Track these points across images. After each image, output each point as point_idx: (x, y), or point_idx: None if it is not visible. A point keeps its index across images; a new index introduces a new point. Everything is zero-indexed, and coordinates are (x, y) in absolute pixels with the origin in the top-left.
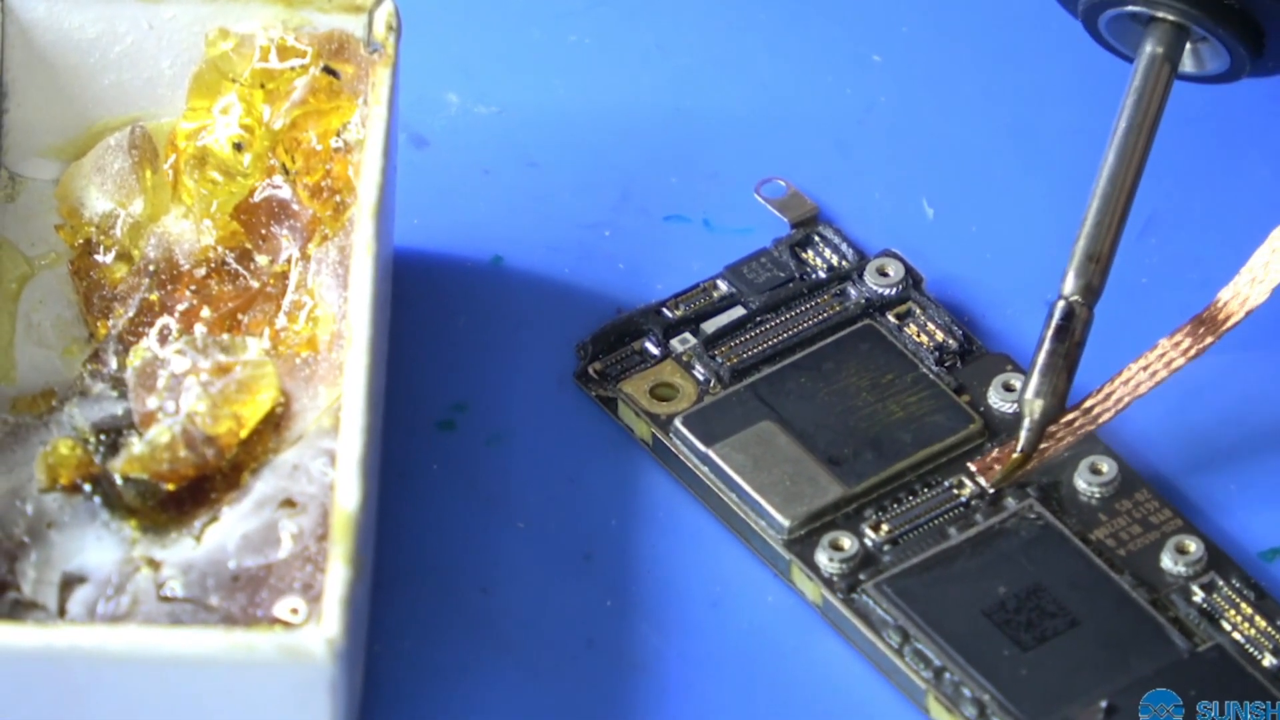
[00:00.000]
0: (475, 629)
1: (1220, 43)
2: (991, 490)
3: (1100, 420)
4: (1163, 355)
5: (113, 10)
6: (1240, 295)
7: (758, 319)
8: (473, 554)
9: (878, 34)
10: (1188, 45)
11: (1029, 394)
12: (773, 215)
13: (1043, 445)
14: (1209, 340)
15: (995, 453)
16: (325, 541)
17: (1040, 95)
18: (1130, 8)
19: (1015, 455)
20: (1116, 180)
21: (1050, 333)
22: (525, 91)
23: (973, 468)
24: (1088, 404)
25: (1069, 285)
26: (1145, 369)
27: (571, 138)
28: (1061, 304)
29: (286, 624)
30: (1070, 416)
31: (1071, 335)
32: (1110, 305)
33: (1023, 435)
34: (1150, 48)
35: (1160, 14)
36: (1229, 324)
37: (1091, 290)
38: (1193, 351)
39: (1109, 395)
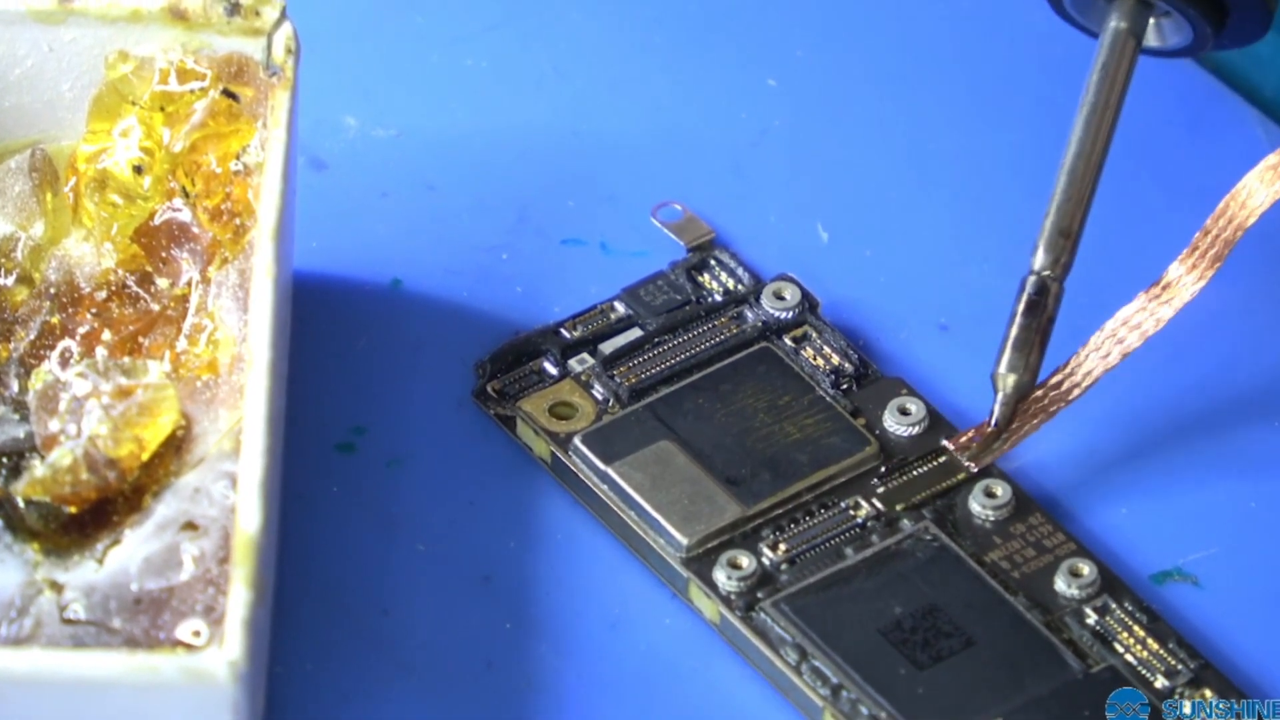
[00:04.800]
0: (376, 650)
1: (1183, 16)
2: (974, 469)
3: (1072, 396)
4: (1126, 323)
5: (12, 33)
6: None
7: (655, 340)
8: (373, 576)
9: (772, 59)
10: (1151, 20)
11: (1002, 368)
12: (669, 239)
13: (1015, 425)
14: (1174, 300)
15: (970, 431)
16: (227, 564)
17: (934, 118)
18: None
19: (989, 430)
20: (1084, 155)
21: (1022, 307)
22: (423, 115)
23: (949, 445)
24: (1056, 379)
25: (1040, 260)
26: (1113, 338)
27: (469, 161)
28: (1033, 279)
29: (189, 646)
30: (1039, 394)
31: (1044, 310)
32: (1003, 328)
33: (996, 409)
34: (1115, 22)
35: None
36: (1190, 288)
37: (1062, 265)
38: (1159, 314)
39: (1077, 369)
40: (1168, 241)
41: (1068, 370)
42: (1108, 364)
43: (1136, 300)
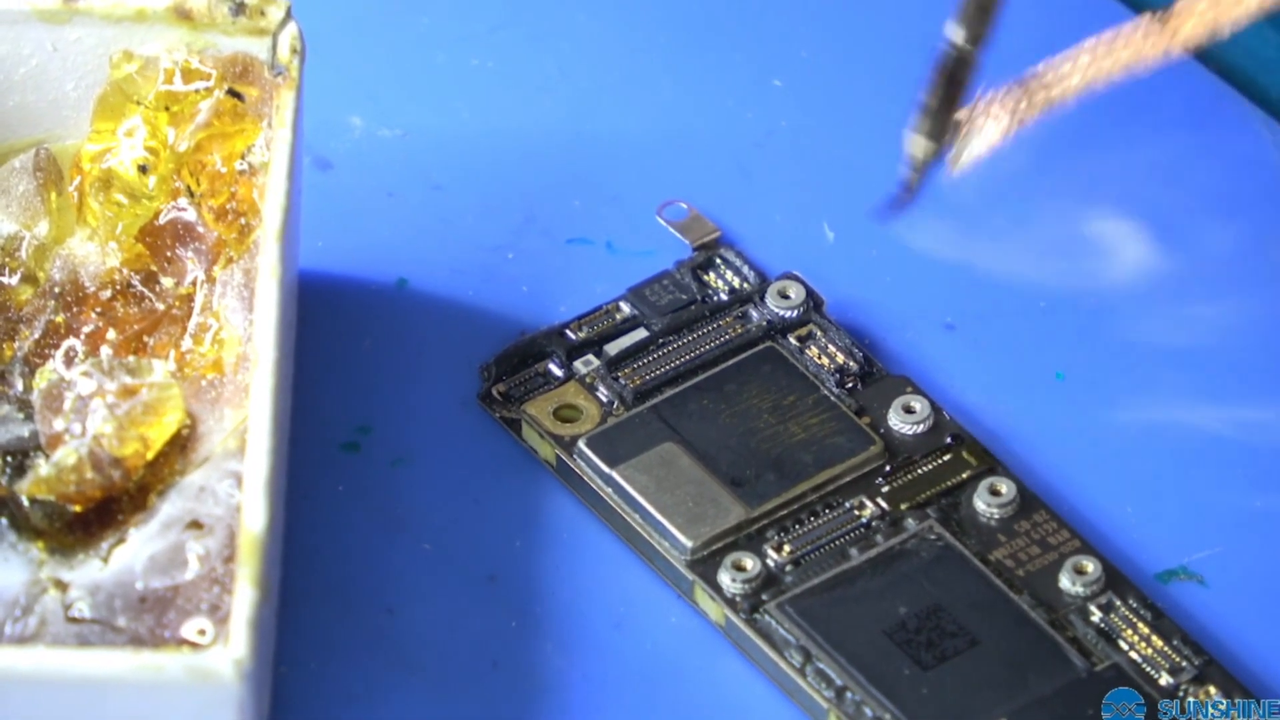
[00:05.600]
0: (381, 650)
1: None
2: (952, 169)
3: (1036, 102)
4: (1123, 37)
5: (16, 32)
6: None
7: (660, 341)
8: (378, 575)
9: (778, 59)
10: None
11: (914, 131)
12: (675, 238)
13: (978, 121)
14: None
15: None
16: (232, 563)
17: None
18: None
19: (901, 193)
20: None
21: (935, 74)
22: (429, 115)
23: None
24: (1030, 83)
25: (955, 32)
26: (1106, 48)
27: (475, 161)
28: (949, 49)
29: (194, 645)
30: (1005, 93)
31: (956, 79)
32: (1009, 327)
33: (903, 170)
34: None
35: None
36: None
37: (977, 38)
38: (1159, 43)
39: (1053, 74)
40: (1175, 242)
41: (1044, 73)
42: (1091, 76)
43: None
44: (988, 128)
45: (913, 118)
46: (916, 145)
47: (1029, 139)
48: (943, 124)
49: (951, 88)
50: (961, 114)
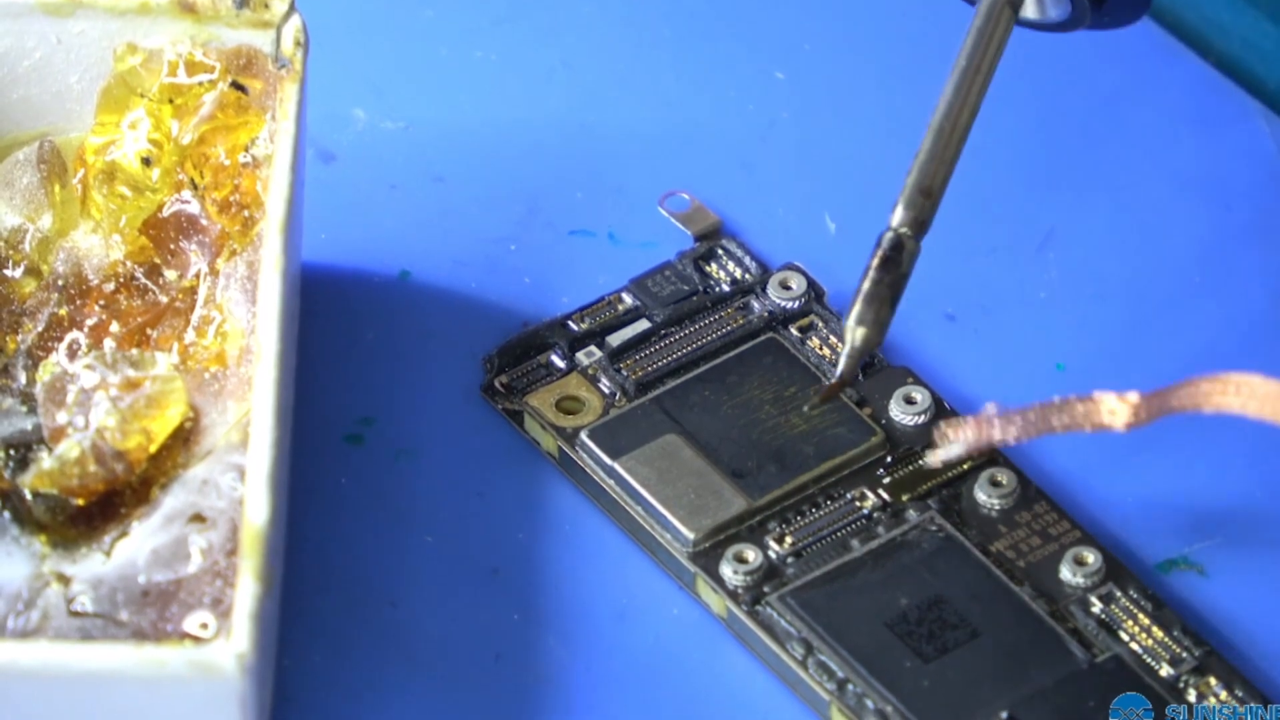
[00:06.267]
0: (383, 643)
1: None
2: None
3: (994, 438)
4: (1066, 407)
5: (20, 25)
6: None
7: (662, 332)
8: (381, 568)
9: (780, 51)
10: None
11: (851, 320)
12: (677, 229)
13: (944, 454)
14: (1088, 419)
15: (824, 386)
16: (234, 556)
17: None
18: None
19: (833, 382)
20: (952, 116)
21: (876, 262)
22: (432, 107)
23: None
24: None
25: (898, 217)
26: (1058, 412)
27: (477, 153)
28: (890, 235)
29: (196, 639)
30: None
31: (898, 267)
32: (1010, 318)
33: (842, 361)
34: None
35: None
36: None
37: (920, 224)
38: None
39: (1011, 420)
40: (1171, 234)
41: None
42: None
43: (1066, 402)
44: (971, 439)
45: (853, 306)
46: (857, 335)
47: (1030, 132)
48: (881, 312)
49: (890, 274)
50: (953, 424)
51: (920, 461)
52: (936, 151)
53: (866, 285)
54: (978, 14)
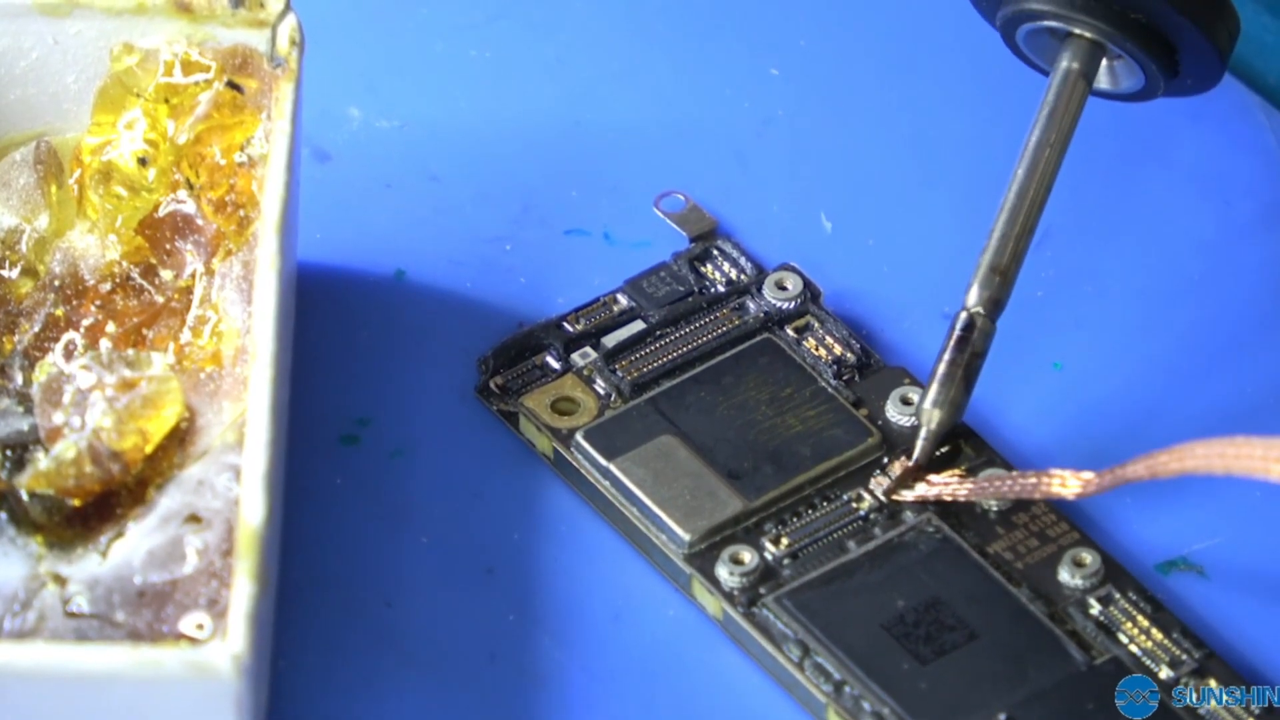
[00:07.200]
0: (379, 643)
1: (1135, 62)
2: (885, 500)
3: (959, 495)
4: (1039, 481)
5: (17, 25)
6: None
7: (657, 333)
8: (376, 568)
9: (775, 48)
10: (1104, 62)
11: (927, 404)
12: (672, 229)
13: (919, 492)
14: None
15: (896, 465)
16: (230, 557)
17: (937, 108)
18: (1048, 23)
19: (909, 464)
20: (1025, 194)
21: (951, 343)
22: (427, 106)
23: (873, 484)
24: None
25: (972, 297)
26: (1027, 482)
27: (473, 152)
28: (964, 315)
29: (192, 640)
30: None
31: (971, 346)
32: (1007, 316)
33: (918, 445)
34: (1066, 63)
35: (1077, 30)
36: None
37: (994, 303)
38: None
39: (989, 482)
40: (1170, 230)
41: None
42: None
43: (1026, 477)
44: (937, 490)
45: (928, 389)
46: (933, 418)
47: (1027, 129)
48: (955, 393)
49: (963, 354)
50: (931, 478)
51: (870, 485)
52: (1009, 230)
53: (941, 367)
54: (1050, 86)
